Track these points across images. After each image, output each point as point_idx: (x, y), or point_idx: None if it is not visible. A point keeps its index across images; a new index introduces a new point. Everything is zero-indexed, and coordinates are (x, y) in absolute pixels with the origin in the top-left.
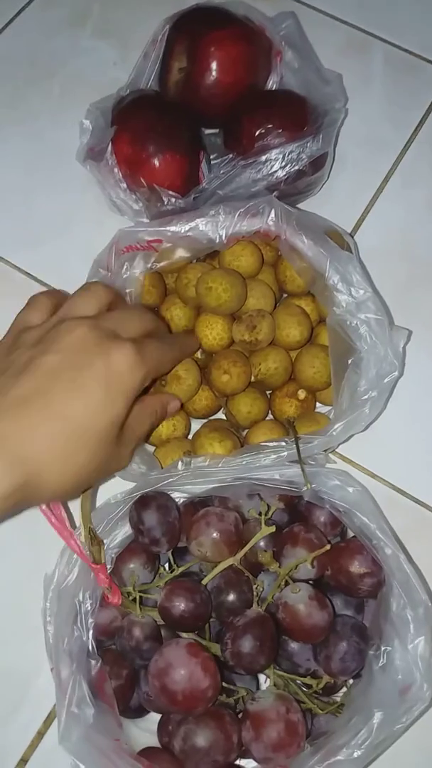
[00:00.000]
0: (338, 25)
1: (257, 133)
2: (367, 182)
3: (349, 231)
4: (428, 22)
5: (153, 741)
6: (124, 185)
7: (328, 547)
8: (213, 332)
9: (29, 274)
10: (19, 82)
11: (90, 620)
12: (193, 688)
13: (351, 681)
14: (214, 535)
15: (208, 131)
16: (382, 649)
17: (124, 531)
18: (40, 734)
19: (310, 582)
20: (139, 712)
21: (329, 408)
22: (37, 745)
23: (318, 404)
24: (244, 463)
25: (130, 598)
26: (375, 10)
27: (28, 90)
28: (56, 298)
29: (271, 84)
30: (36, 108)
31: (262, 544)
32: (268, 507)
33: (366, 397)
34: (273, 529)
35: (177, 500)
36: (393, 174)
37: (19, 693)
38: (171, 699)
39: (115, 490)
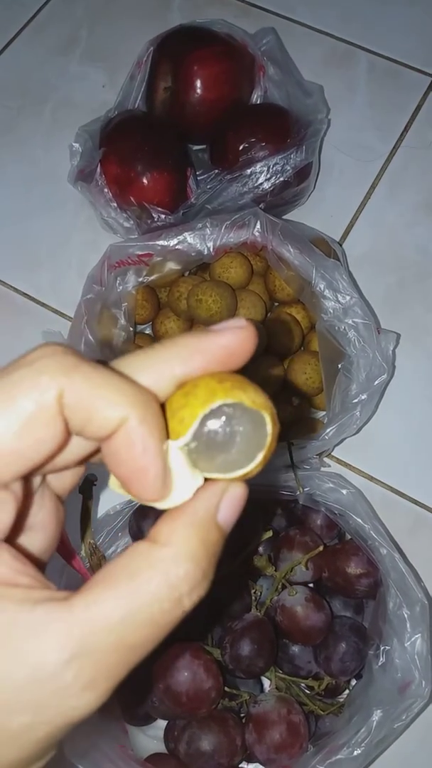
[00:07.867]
0: (321, 37)
1: (241, 147)
2: (354, 190)
3: (338, 239)
4: (409, 29)
5: (161, 748)
6: (115, 204)
7: (320, 548)
8: None
9: (27, 294)
10: (12, 109)
11: None
12: (196, 689)
13: (354, 682)
14: None
15: (195, 147)
16: (381, 648)
17: (125, 542)
18: None
19: (309, 585)
20: (146, 719)
21: (324, 413)
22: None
23: (313, 410)
24: None
25: None
26: (356, 20)
27: (21, 116)
28: None
29: (256, 98)
30: (29, 133)
31: (260, 549)
32: (266, 512)
33: (356, 400)
34: (270, 533)
35: None
36: (380, 181)
37: None
38: (175, 700)
39: (114, 500)
